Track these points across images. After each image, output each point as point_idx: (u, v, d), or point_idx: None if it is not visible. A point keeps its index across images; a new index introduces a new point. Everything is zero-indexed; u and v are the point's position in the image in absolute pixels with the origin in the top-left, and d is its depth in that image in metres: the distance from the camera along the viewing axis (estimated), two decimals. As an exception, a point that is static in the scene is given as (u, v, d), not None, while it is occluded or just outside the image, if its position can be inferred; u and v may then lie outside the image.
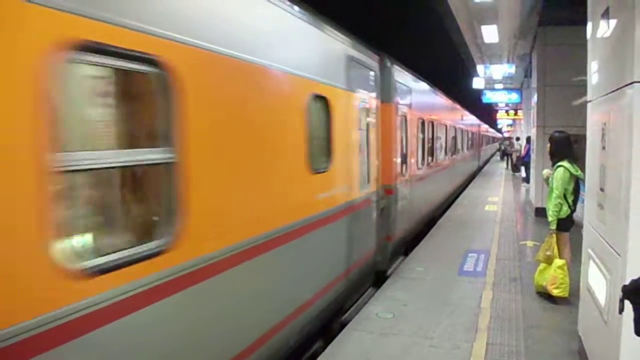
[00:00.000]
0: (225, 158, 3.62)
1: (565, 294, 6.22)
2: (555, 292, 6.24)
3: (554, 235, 6.28)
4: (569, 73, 10.47)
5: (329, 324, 5.84)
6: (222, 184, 3.58)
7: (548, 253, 6.28)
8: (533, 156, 14.57)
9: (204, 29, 3.39)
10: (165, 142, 3.00)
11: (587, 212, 4.82)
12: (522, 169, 21.64)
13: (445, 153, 14.79)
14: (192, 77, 3.18)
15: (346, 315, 6.38)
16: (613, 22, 3.81)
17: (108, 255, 2.66)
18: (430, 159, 11.91)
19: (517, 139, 28.50)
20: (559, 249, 6.31)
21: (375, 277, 7.74)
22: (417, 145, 10.32)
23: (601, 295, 3.86)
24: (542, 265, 6.50)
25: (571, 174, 6.28)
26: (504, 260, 8.53)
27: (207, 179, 3.36)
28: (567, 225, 6.44)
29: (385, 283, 7.31)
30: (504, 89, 23.02)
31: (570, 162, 6.35)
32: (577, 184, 6.37)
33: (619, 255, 3.38)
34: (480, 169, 30.22)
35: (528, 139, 18.59)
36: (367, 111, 6.97)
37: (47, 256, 2.27)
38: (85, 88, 2.86)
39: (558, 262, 6.21)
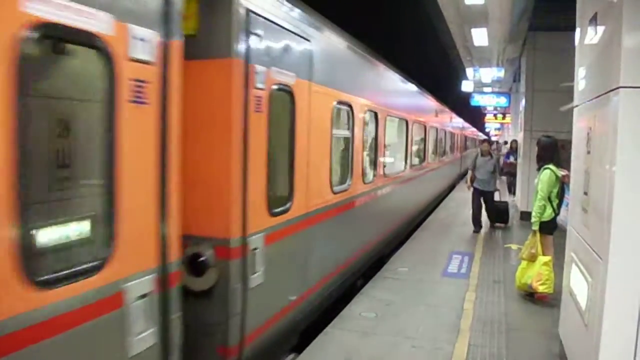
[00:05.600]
0: None
1: (551, 290, 6.27)
2: (540, 289, 6.29)
3: (537, 233, 6.34)
4: (557, 78, 10.52)
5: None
6: None
7: (532, 251, 6.34)
8: (520, 160, 14.65)
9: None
10: None
11: (571, 215, 4.86)
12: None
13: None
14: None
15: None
16: (600, 29, 3.84)
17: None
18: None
19: (505, 142, 28.52)
20: (542, 251, 6.37)
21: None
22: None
23: (582, 299, 3.88)
24: (523, 263, 6.56)
25: (557, 176, 6.35)
26: (488, 263, 8.57)
27: None
28: (551, 228, 6.50)
29: (369, 283, 7.31)
30: (493, 92, 23.15)
31: (555, 165, 6.43)
32: (562, 187, 6.43)
33: (601, 258, 3.40)
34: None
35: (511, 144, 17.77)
36: None
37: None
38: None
39: (543, 258, 6.27)
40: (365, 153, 7.40)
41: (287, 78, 4.56)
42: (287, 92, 4.64)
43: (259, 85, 4.03)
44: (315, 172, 5.36)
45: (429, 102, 13.90)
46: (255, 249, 4.06)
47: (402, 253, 9.19)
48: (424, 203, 13.54)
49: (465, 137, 28.42)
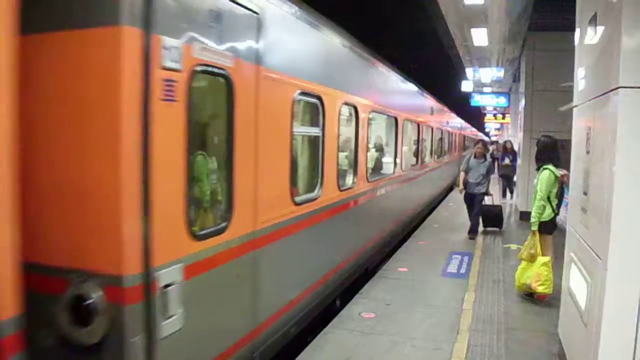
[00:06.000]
0: None
1: (550, 291, 6.26)
2: (540, 289, 6.28)
3: (537, 234, 6.34)
4: (557, 78, 10.52)
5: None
6: None
7: (532, 251, 6.33)
8: (519, 160, 14.65)
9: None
10: None
11: (570, 215, 4.86)
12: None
13: None
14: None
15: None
16: (600, 29, 3.84)
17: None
18: None
19: (506, 142, 28.04)
20: (542, 251, 6.37)
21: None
22: None
23: (582, 299, 3.88)
24: (523, 264, 6.55)
25: (556, 177, 6.35)
26: (488, 263, 8.57)
27: None
28: (550, 228, 6.50)
29: (368, 283, 7.31)
30: (493, 92, 23.14)
31: (554, 166, 6.44)
32: (561, 187, 6.44)
33: (600, 258, 3.40)
34: None
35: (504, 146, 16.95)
36: None
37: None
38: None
39: (542, 259, 6.26)
40: (343, 154, 6.70)
41: (221, 58, 3.50)
42: (221, 77, 3.60)
43: (170, 65, 2.99)
44: (268, 180, 4.31)
45: (424, 99, 13.14)
46: (168, 285, 3.03)
47: (402, 253, 9.19)
48: (418, 207, 12.63)
49: (464, 137, 27.72)
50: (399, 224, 10.08)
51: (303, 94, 4.99)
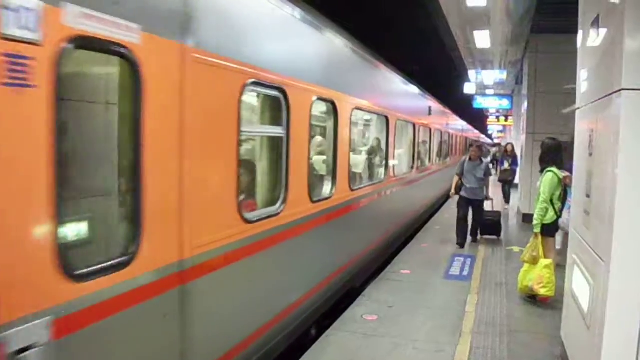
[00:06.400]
0: None
1: (552, 293, 6.26)
2: (542, 292, 6.28)
3: (539, 236, 6.34)
4: (559, 81, 10.52)
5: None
6: None
7: (534, 254, 6.33)
8: (521, 163, 14.63)
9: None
10: None
11: (573, 218, 4.86)
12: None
13: None
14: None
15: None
16: (602, 31, 3.84)
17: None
18: None
19: (507, 145, 27.93)
20: (544, 254, 6.36)
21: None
22: None
23: (584, 301, 3.87)
24: (526, 266, 6.55)
25: (559, 179, 6.35)
26: (490, 265, 8.56)
27: None
28: (553, 230, 6.50)
29: (371, 285, 7.31)
30: (495, 94, 23.12)
31: (558, 168, 6.44)
32: (564, 190, 6.43)
33: (603, 261, 3.40)
34: None
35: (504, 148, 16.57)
36: None
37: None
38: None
39: (544, 261, 6.26)
40: (319, 159, 6.06)
41: (117, 31, 2.56)
42: (120, 57, 2.69)
43: (18, 34, 2.08)
44: (203, 194, 3.40)
45: (422, 99, 12.36)
46: (24, 349, 2.17)
47: (405, 255, 9.19)
48: (417, 212, 12.04)
49: (467, 139, 27.15)
50: (396, 228, 9.83)
51: (257, 84, 4.07)
